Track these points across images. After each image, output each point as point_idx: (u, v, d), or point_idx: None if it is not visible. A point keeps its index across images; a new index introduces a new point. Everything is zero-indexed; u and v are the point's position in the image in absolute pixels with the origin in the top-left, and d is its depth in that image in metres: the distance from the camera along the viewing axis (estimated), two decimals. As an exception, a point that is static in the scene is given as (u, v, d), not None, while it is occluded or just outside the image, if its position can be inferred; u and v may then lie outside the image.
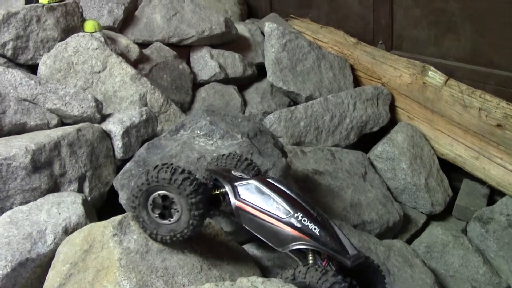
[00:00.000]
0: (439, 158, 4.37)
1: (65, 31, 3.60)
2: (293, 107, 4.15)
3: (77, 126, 2.87)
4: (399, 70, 4.53)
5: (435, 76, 4.34)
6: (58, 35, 3.55)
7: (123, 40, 3.87)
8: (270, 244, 2.22)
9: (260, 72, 4.64)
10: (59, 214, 2.40)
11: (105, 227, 2.21)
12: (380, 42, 4.86)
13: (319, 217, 2.18)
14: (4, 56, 3.42)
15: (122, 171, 2.83)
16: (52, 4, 3.56)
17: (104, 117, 3.14)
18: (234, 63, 4.41)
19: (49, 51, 3.48)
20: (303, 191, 3.49)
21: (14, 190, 2.51)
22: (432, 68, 4.39)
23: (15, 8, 3.46)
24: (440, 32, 4.46)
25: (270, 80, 4.42)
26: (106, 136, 2.96)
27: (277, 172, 2.88)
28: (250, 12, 5.75)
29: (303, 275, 2.04)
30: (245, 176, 2.37)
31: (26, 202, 2.51)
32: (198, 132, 2.89)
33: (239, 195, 2.23)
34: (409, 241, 3.90)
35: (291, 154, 3.73)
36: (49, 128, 2.99)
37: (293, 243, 2.13)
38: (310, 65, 4.56)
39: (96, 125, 2.96)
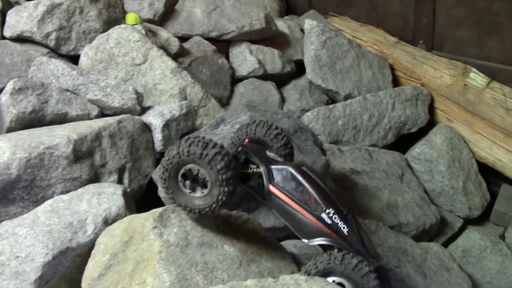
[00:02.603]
0: (477, 161, 4.30)
1: (107, 22, 3.62)
2: (331, 105, 4.12)
3: (118, 117, 2.87)
4: (439, 71, 4.47)
5: (477, 78, 4.27)
6: (100, 27, 3.57)
7: (163, 33, 3.87)
8: (296, 233, 2.21)
9: (298, 69, 4.61)
10: (100, 204, 2.41)
11: (146, 219, 2.21)
12: (421, 42, 4.80)
13: (348, 215, 2.17)
14: (47, 46, 3.46)
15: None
16: (95, -4, 3.59)
17: (144, 110, 3.14)
18: (273, 59, 4.39)
19: (91, 42, 3.50)
20: (341, 190, 3.47)
21: (56, 179, 2.52)
22: (474, 69, 4.32)
23: (59, -1, 3.49)
24: (484, 33, 4.38)
25: (309, 78, 4.38)
26: (146, 128, 2.97)
27: (317, 170, 2.85)
28: (288, 8, 5.72)
29: (314, 266, 2.06)
30: (280, 160, 2.35)
31: (67, 192, 2.52)
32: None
33: (273, 179, 2.21)
34: (445, 245, 3.85)
35: (328, 152, 3.70)
36: (89, 118, 3.01)
37: (321, 238, 2.13)
38: (350, 64, 4.52)
39: (136, 117, 2.97)
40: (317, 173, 2.28)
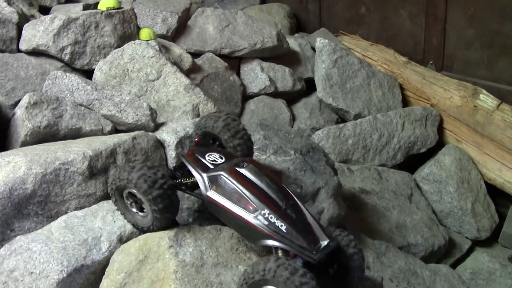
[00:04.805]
0: (486, 183, 4.30)
1: (121, 38, 3.63)
2: (341, 124, 4.13)
3: (132, 134, 2.88)
4: (449, 92, 4.48)
5: (486, 100, 4.29)
6: (114, 42, 3.58)
7: (176, 49, 3.89)
8: (242, 237, 2.27)
9: (308, 87, 4.62)
10: (114, 222, 2.41)
11: (161, 238, 2.21)
12: (431, 62, 4.81)
13: (288, 209, 2.15)
14: (61, 60, 3.47)
15: (174, 181, 2.83)
16: (110, 11, 3.60)
17: (157, 126, 3.14)
18: (284, 77, 4.40)
19: (105, 57, 3.51)
20: (350, 210, 3.46)
21: (70, 195, 2.52)
22: (484, 91, 4.33)
23: (75, 14, 3.50)
24: (494, 55, 4.40)
25: (319, 96, 4.40)
26: (160, 145, 2.97)
27: (329, 190, 2.86)
28: (298, 26, 5.75)
29: (250, 275, 1.98)
30: (219, 161, 2.36)
31: (81, 208, 2.52)
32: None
33: (210, 187, 2.24)
34: (453, 266, 3.85)
35: (338, 171, 3.70)
36: (103, 134, 3.01)
37: (262, 240, 2.11)
38: (360, 83, 4.53)
39: (150, 133, 2.97)
40: (255, 170, 2.27)
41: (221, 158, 2.40)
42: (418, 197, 4.05)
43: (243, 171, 2.25)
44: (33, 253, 2.22)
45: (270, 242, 2.09)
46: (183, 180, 2.41)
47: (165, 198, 2.22)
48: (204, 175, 2.27)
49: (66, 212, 2.49)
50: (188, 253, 2.17)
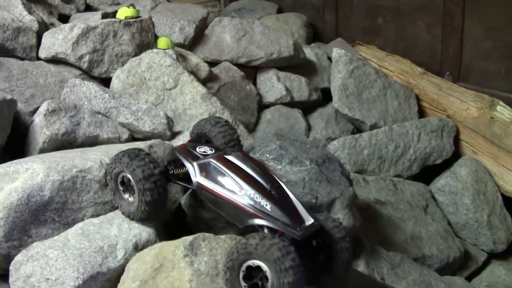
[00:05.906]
0: (503, 195, 4.26)
1: (139, 46, 3.66)
2: (357, 135, 4.13)
3: (149, 142, 2.89)
4: (466, 103, 4.46)
5: (504, 111, 4.26)
6: (132, 50, 3.61)
7: (193, 58, 3.91)
8: (230, 220, 2.33)
9: (324, 97, 4.62)
10: (130, 229, 2.42)
11: (176, 247, 2.22)
12: (447, 73, 4.80)
13: (273, 190, 2.22)
14: (80, 68, 3.51)
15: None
16: (128, 20, 3.63)
17: (173, 135, 3.17)
18: (300, 87, 4.41)
19: (122, 65, 3.54)
20: (365, 220, 3.45)
21: (87, 203, 2.53)
22: (501, 102, 4.31)
23: (94, 22, 3.54)
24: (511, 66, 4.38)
25: (335, 106, 4.40)
26: (176, 153, 2.99)
27: (345, 201, 2.85)
28: (315, 35, 5.76)
29: (236, 251, 2.02)
30: (209, 152, 2.49)
31: (97, 215, 2.53)
32: (268, 156, 2.89)
33: (199, 174, 2.36)
34: (469, 279, 3.82)
35: (353, 182, 3.69)
36: (120, 142, 3.04)
37: (249, 220, 2.18)
38: (376, 93, 4.53)
39: (167, 142, 2.99)
40: (241, 157, 2.39)
41: (211, 150, 2.54)
42: (434, 209, 4.03)
43: (230, 157, 2.37)
44: (49, 260, 2.23)
45: (256, 221, 2.15)
46: (175, 171, 2.52)
47: (156, 190, 2.35)
48: (195, 163, 2.41)
49: (82, 219, 2.51)
50: (203, 262, 2.18)
